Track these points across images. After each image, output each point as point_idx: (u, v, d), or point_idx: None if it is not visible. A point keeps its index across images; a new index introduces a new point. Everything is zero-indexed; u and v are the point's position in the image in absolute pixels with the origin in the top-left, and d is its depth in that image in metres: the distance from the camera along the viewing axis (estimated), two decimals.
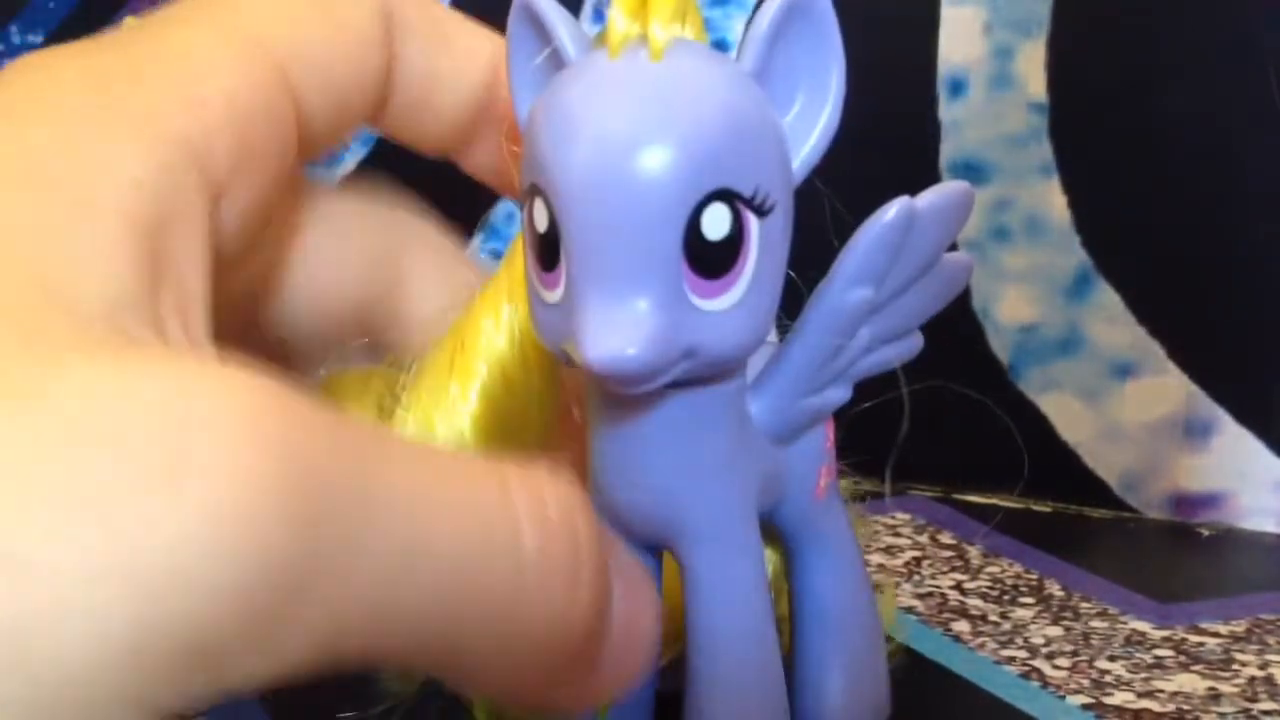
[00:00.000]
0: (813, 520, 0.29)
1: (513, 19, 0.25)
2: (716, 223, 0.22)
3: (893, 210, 0.24)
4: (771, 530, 0.29)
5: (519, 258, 0.25)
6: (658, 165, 0.21)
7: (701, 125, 0.21)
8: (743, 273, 0.22)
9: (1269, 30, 0.47)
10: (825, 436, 0.29)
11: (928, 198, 0.25)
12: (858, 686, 0.30)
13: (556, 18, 0.24)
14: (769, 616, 0.26)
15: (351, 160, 0.64)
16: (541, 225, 0.22)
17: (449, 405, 0.28)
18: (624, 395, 0.23)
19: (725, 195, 0.22)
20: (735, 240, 0.22)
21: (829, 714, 0.29)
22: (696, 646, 0.26)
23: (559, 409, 0.29)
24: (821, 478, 0.29)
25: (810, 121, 0.23)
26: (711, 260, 0.22)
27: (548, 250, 0.22)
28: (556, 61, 0.24)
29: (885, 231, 0.24)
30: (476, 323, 0.28)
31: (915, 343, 0.27)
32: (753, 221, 0.22)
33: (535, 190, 0.22)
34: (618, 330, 0.21)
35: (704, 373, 0.23)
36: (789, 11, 0.22)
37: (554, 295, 0.22)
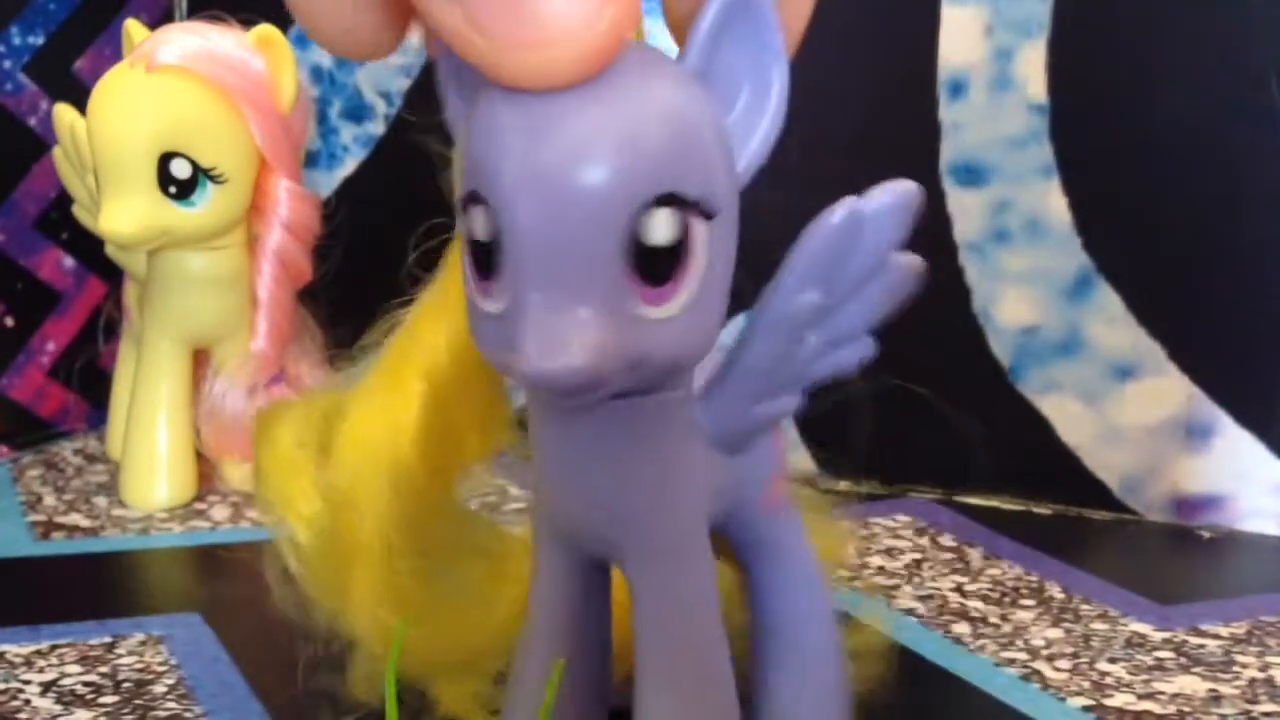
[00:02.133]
0: (764, 531, 0.28)
1: None
2: (661, 228, 0.21)
3: (839, 213, 0.23)
4: (724, 542, 0.28)
5: (458, 266, 0.25)
6: (598, 170, 0.20)
7: (642, 128, 0.20)
8: (689, 279, 0.21)
9: (1269, 32, 0.47)
10: (774, 445, 0.28)
11: (875, 199, 0.24)
12: (813, 699, 0.29)
13: None
14: (718, 635, 0.26)
15: (352, 161, 0.64)
16: (481, 233, 0.21)
17: (390, 420, 0.28)
18: (564, 406, 0.23)
19: (669, 200, 0.21)
20: (681, 246, 0.21)
21: None
22: (644, 666, 0.25)
23: (502, 420, 0.29)
24: (771, 487, 0.28)
25: (753, 122, 0.22)
26: (656, 267, 0.21)
27: (487, 259, 0.21)
28: None
29: (832, 235, 0.24)
30: (417, 335, 0.27)
31: (867, 346, 0.26)
32: (699, 226, 0.21)
33: (474, 198, 0.21)
34: (559, 341, 0.20)
35: (651, 382, 0.22)
36: (729, 10, 0.22)
37: (493, 305, 0.21)
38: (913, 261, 0.24)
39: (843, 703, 0.30)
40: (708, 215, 0.21)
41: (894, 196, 0.24)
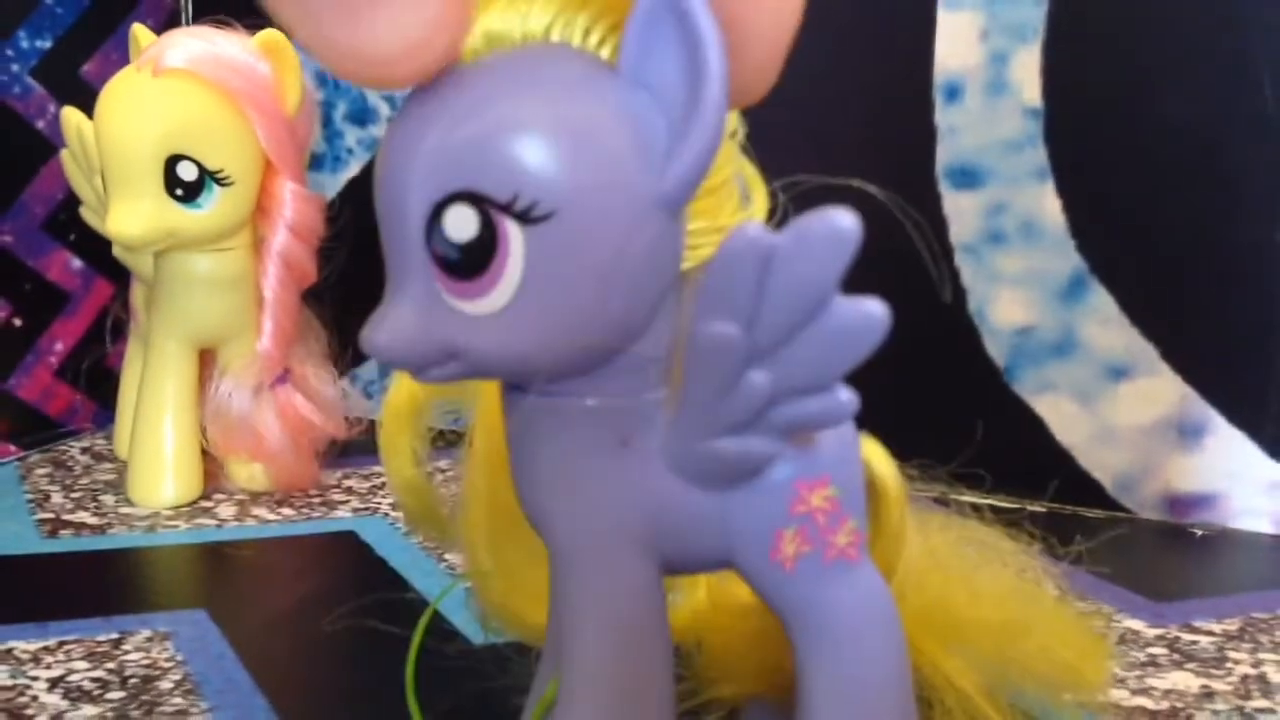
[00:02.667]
0: (785, 595, 0.26)
1: None
2: (459, 224, 0.21)
3: (733, 240, 0.21)
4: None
5: None
6: (404, 166, 0.21)
7: (453, 126, 0.21)
8: (501, 278, 0.21)
9: (1262, 36, 0.47)
10: (790, 499, 0.25)
11: (790, 232, 0.21)
12: None
13: None
14: (631, 647, 0.25)
15: (356, 164, 0.64)
16: None
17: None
18: (510, 402, 0.24)
19: (469, 197, 0.21)
20: (486, 244, 0.21)
21: None
22: (566, 668, 0.25)
23: None
24: (783, 544, 0.25)
25: (684, 136, 0.21)
26: (458, 262, 0.21)
27: None
28: None
29: (728, 263, 0.21)
30: None
31: (840, 398, 0.23)
32: (510, 227, 0.21)
33: None
34: (377, 321, 0.22)
35: (478, 376, 0.23)
36: (652, 12, 0.21)
37: None
38: (867, 310, 0.21)
39: None
40: (528, 218, 0.21)
41: (813, 230, 0.21)
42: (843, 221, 0.21)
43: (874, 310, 0.21)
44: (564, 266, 0.21)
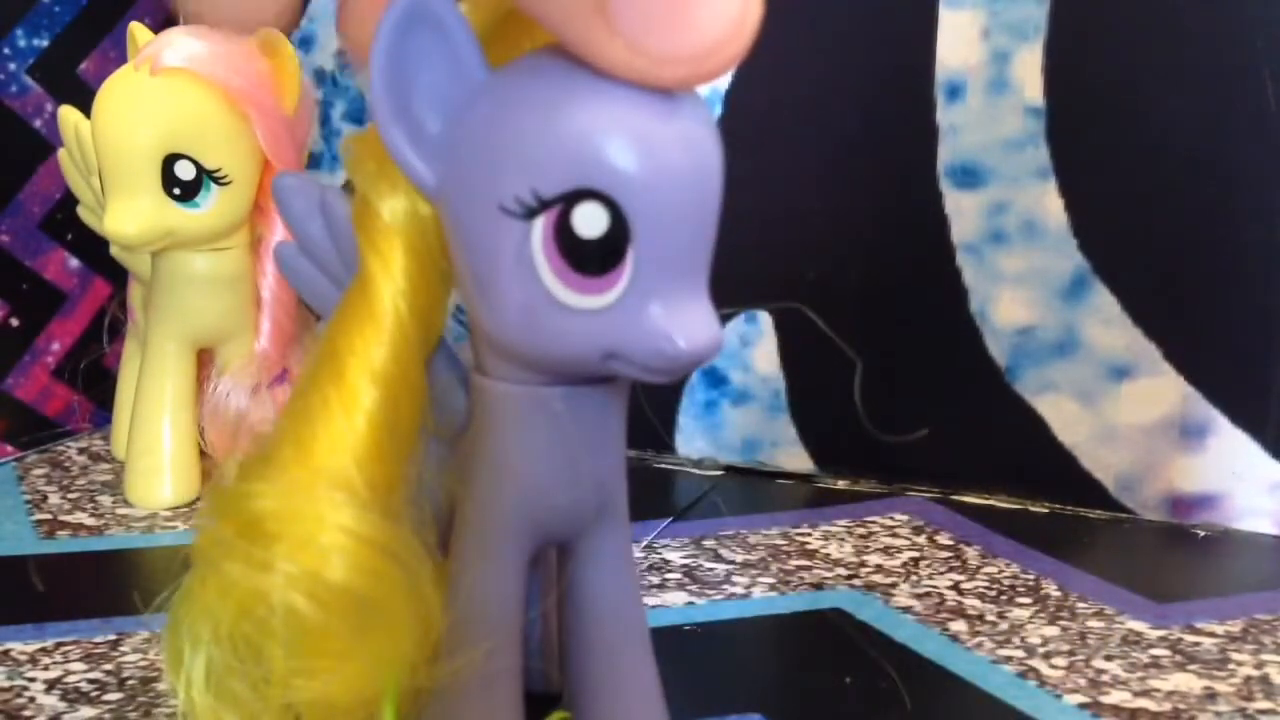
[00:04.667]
0: None
1: (407, 30, 0.23)
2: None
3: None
4: None
5: (395, 263, 0.24)
6: (716, 161, 0.22)
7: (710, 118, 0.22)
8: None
9: (1265, 36, 0.47)
10: None
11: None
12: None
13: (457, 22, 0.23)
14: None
15: None
16: (597, 230, 0.21)
17: (336, 434, 0.24)
18: (557, 406, 0.24)
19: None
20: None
21: None
22: (606, 620, 0.27)
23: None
24: None
25: None
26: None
27: (599, 256, 0.22)
28: (465, 68, 0.23)
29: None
30: (351, 342, 0.24)
31: None
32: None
33: (583, 194, 0.21)
34: (701, 324, 0.22)
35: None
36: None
37: (598, 300, 0.22)
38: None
39: None
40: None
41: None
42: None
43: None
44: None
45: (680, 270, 0.22)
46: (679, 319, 0.21)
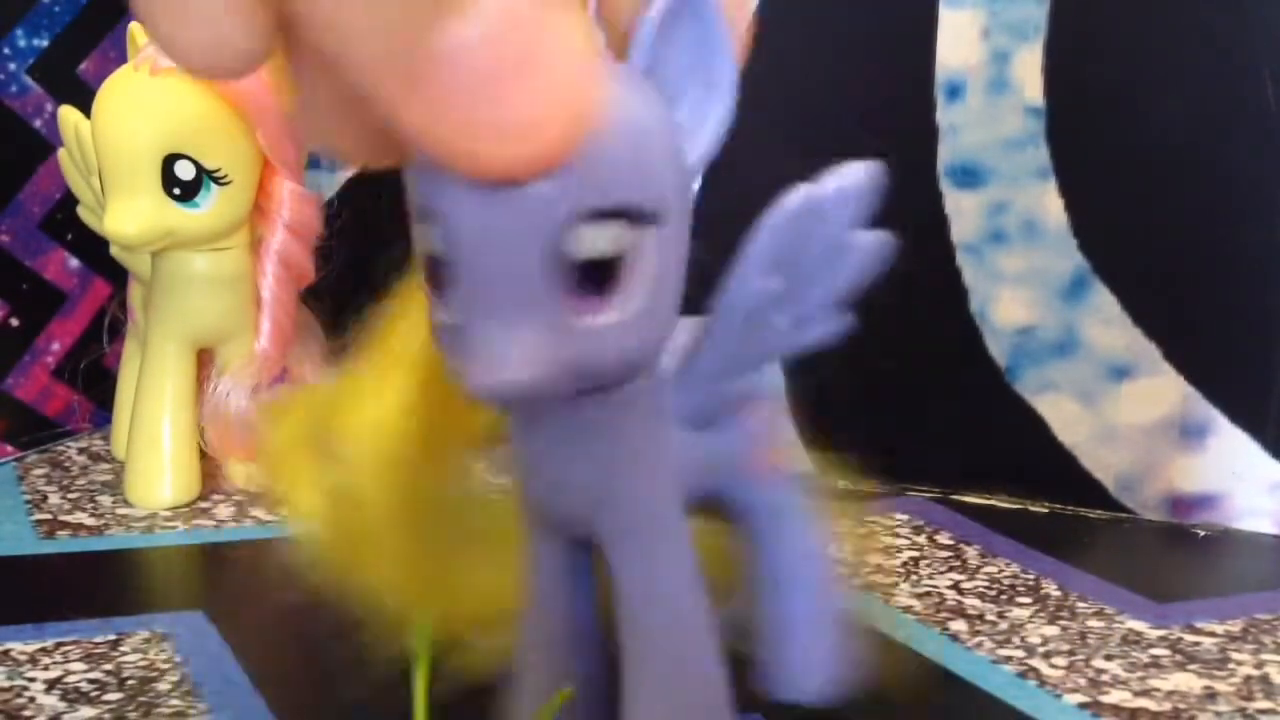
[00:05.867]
0: (754, 495, 0.30)
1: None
2: (597, 241, 0.20)
3: (795, 200, 0.24)
4: (721, 511, 0.30)
5: None
6: (517, 184, 0.19)
7: (585, 140, 0.20)
8: (636, 285, 0.21)
9: (1265, 36, 0.47)
10: (752, 418, 0.29)
11: (832, 184, 0.24)
12: (820, 648, 0.31)
13: None
14: (701, 605, 0.26)
15: None
16: (434, 248, 0.21)
17: (379, 412, 0.28)
18: (526, 412, 0.24)
19: (607, 213, 0.20)
20: (626, 254, 0.21)
21: (793, 676, 0.31)
22: (630, 644, 0.26)
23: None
24: (757, 457, 0.29)
25: (703, 116, 0.22)
26: (595, 278, 0.20)
27: (438, 273, 0.21)
28: None
29: (790, 222, 0.24)
30: (400, 325, 0.28)
31: (838, 322, 0.26)
32: (644, 233, 0.21)
33: (424, 214, 0.21)
34: (498, 358, 0.20)
35: (607, 381, 0.22)
36: (674, 8, 0.21)
37: (446, 317, 0.21)
38: (877, 240, 0.25)
39: (847, 658, 0.31)
40: (655, 221, 0.21)
41: (849, 180, 0.25)
42: (865, 168, 0.25)
43: (878, 240, 0.25)
44: (672, 259, 0.22)
45: (487, 302, 0.20)
46: (477, 355, 0.20)
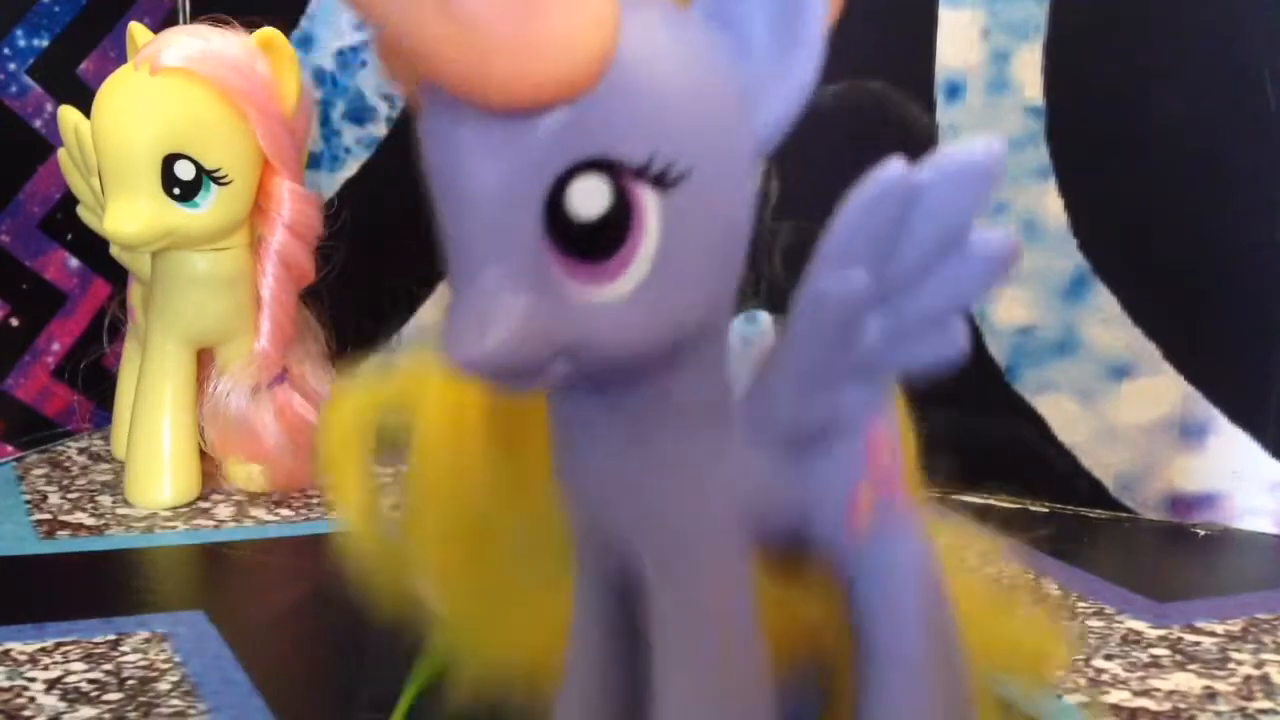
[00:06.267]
0: (856, 549, 0.24)
1: None
2: (588, 197, 0.18)
3: (880, 180, 0.20)
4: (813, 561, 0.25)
5: None
6: (500, 134, 0.17)
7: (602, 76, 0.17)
8: (635, 257, 0.18)
9: (1264, 36, 0.47)
10: (864, 451, 0.24)
11: (934, 167, 0.20)
12: None
13: None
14: (753, 667, 0.22)
15: (354, 163, 0.64)
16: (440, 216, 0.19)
17: (454, 421, 0.26)
18: (510, 391, 0.20)
19: (599, 164, 0.18)
20: (618, 218, 0.18)
21: None
22: (662, 688, 0.22)
23: None
24: (859, 502, 0.24)
25: (779, 71, 0.19)
26: (586, 242, 0.18)
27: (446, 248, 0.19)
28: None
29: (872, 205, 0.20)
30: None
31: (954, 337, 0.21)
32: (647, 195, 0.18)
33: (429, 171, 0.19)
34: (475, 328, 0.18)
35: (596, 374, 0.19)
36: None
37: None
38: (998, 240, 0.20)
39: None
40: (663, 182, 0.18)
41: (959, 163, 0.20)
42: (986, 150, 0.20)
43: (1002, 240, 0.20)
44: (696, 234, 0.19)
45: (477, 259, 0.18)
46: (455, 324, 0.18)
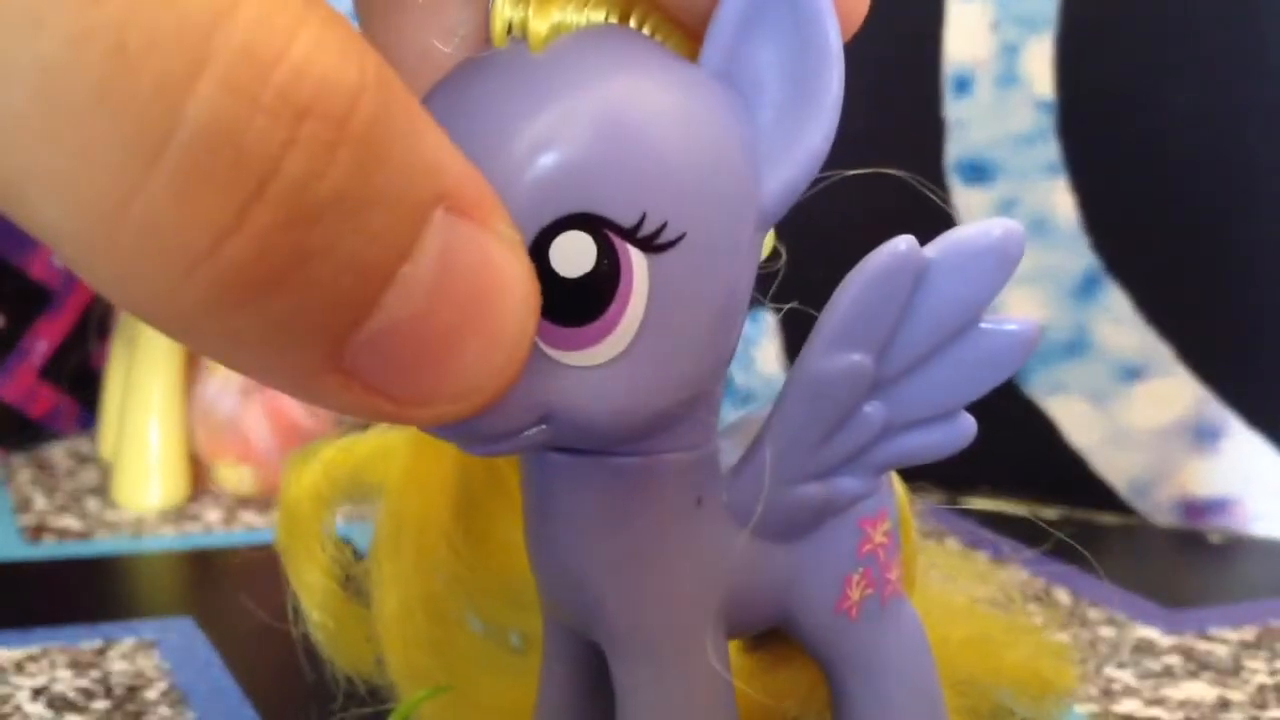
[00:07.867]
0: (844, 643, 0.23)
1: None
2: (573, 255, 0.17)
3: (884, 258, 0.19)
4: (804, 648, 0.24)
5: None
6: (490, 178, 0.17)
7: (553, 132, 0.17)
8: (620, 320, 0.18)
9: (1279, 28, 0.46)
10: (857, 538, 0.23)
11: (945, 244, 0.19)
12: None
13: None
14: None
15: None
16: None
17: (424, 488, 0.26)
18: (477, 454, 0.19)
19: (585, 221, 0.17)
20: (604, 279, 0.17)
21: None
22: None
23: None
24: (850, 590, 0.23)
25: (791, 136, 0.18)
26: (569, 303, 0.17)
27: None
28: None
29: (875, 284, 0.19)
30: None
31: (962, 428, 0.21)
32: (634, 256, 0.17)
33: None
34: None
35: (574, 441, 0.19)
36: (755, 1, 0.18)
37: None
38: (1018, 330, 0.20)
39: None
40: (655, 245, 0.17)
41: (972, 243, 0.19)
42: (1004, 231, 0.19)
43: (1022, 330, 0.20)
44: (688, 301, 0.18)
45: None
46: None
